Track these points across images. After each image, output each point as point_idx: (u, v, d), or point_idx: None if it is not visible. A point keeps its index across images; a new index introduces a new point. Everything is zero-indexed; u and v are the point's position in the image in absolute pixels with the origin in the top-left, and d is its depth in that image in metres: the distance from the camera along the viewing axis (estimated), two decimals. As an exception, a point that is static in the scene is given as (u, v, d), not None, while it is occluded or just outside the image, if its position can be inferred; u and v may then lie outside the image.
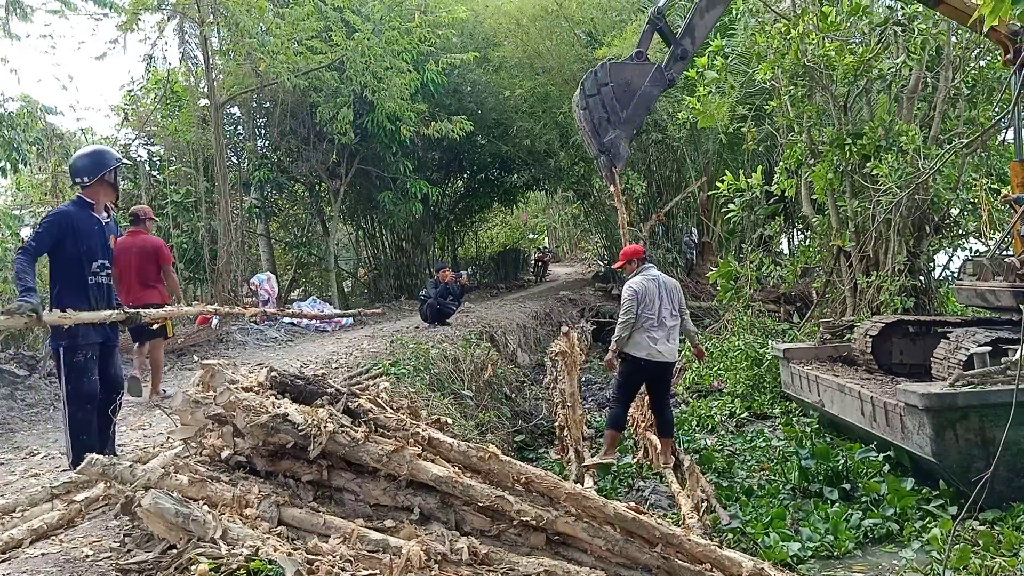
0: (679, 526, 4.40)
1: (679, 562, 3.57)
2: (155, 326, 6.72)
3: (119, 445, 4.99)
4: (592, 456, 6.91)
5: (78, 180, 4.64)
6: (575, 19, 18.23)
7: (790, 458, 7.08)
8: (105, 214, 4.73)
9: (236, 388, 3.56)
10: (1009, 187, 8.39)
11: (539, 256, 28.09)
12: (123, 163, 4.80)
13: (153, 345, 7.28)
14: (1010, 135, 7.74)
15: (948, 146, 9.36)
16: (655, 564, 3.57)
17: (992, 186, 10.07)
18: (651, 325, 6.59)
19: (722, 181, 12.08)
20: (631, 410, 7.95)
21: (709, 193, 15.75)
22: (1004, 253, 7.40)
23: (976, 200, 9.03)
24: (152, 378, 7.26)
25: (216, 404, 3.56)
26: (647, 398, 7.36)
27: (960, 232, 11.04)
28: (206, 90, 14.61)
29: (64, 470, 4.80)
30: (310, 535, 3.23)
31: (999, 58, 8.38)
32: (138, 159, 15.46)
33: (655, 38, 7.41)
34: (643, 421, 7.80)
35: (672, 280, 6.99)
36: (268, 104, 16.72)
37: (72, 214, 4.53)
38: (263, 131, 17.79)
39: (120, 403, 4.73)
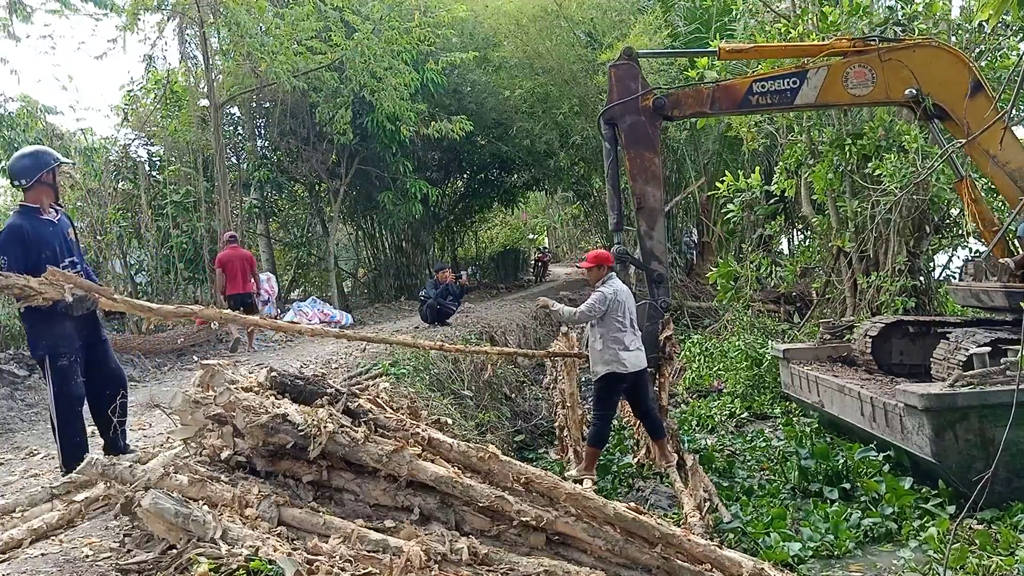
0: (680, 525, 4.40)
1: (679, 562, 3.57)
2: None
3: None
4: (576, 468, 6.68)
5: (16, 183, 4.51)
6: (575, 19, 18.22)
7: (790, 458, 7.08)
8: (54, 212, 4.55)
9: (236, 388, 3.56)
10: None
11: (539, 256, 28.06)
12: (62, 162, 4.58)
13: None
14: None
15: (947, 146, 9.35)
16: (655, 564, 3.57)
17: (991, 186, 10.07)
18: (622, 338, 6.33)
19: (722, 181, 12.08)
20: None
21: (709, 193, 15.75)
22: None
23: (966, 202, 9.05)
24: (248, 338, 10.81)
25: (216, 404, 3.56)
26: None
27: (960, 232, 11.04)
28: (206, 90, 14.59)
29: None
30: (310, 535, 3.23)
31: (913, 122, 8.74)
32: (138, 159, 15.44)
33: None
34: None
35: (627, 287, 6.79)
36: (268, 104, 16.71)
37: (23, 226, 4.35)
38: (263, 131, 17.78)
39: (124, 399, 4.69)
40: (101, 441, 4.65)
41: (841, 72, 7.07)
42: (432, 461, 3.59)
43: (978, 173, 8.21)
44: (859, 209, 10.26)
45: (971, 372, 5.92)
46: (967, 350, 6.33)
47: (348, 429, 3.53)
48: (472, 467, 3.66)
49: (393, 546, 3.14)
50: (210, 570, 2.79)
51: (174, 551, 2.99)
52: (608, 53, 16.36)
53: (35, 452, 5.55)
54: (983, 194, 8.13)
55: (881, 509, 5.81)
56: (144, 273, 14.14)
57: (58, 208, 4.65)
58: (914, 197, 9.44)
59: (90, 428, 4.58)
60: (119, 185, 14.53)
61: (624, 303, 6.40)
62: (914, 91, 7.00)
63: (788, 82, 7.15)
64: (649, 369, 6.85)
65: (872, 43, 7.19)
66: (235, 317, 5.42)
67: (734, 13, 11.92)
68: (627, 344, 6.35)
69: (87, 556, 3.16)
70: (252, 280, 10.79)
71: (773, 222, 14.43)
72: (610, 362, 6.34)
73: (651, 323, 7.10)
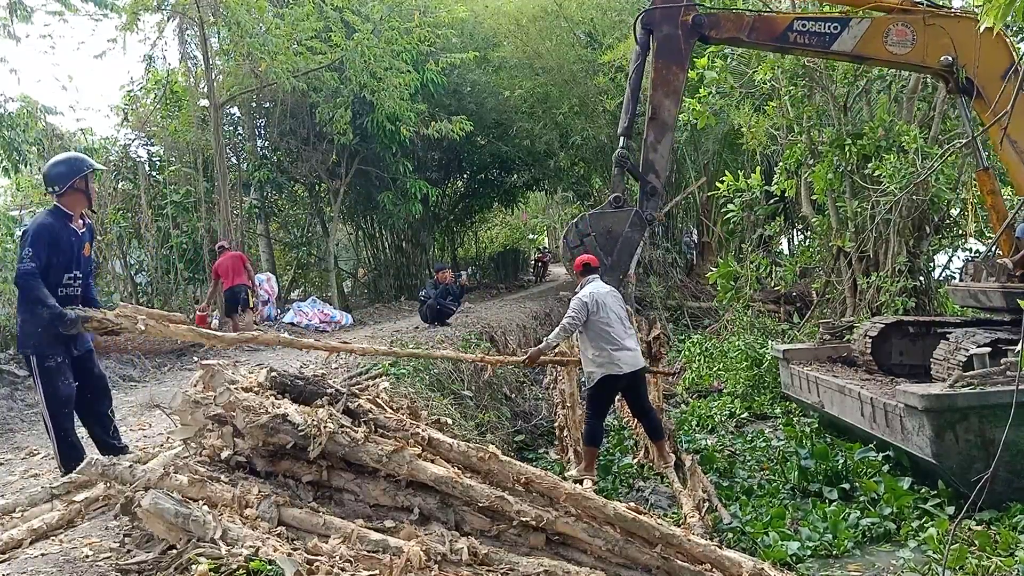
0: (680, 526, 4.40)
1: (679, 562, 3.57)
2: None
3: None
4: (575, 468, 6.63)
5: (51, 189, 4.52)
6: (575, 19, 18.23)
7: (790, 458, 7.09)
8: (81, 222, 4.56)
9: (236, 388, 3.56)
10: (1010, 187, 8.42)
11: (539, 256, 28.06)
12: (96, 168, 4.58)
13: (246, 313, 11.37)
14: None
15: (948, 146, 9.36)
16: (655, 564, 3.57)
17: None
18: (612, 338, 6.24)
19: (722, 181, 12.08)
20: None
21: (709, 193, 15.75)
22: (996, 253, 7.43)
23: (970, 199, 9.04)
24: (256, 312, 11.99)
25: (216, 404, 3.56)
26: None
27: (960, 232, 11.04)
28: (206, 90, 14.58)
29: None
30: (310, 535, 3.23)
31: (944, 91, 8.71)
32: (138, 159, 15.43)
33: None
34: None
35: (612, 288, 6.69)
36: (268, 104, 16.70)
37: (53, 226, 4.38)
38: (263, 131, 17.76)
39: (111, 404, 4.71)
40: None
41: (883, 27, 7.09)
42: (432, 461, 3.59)
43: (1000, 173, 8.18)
44: (859, 209, 10.26)
45: (971, 372, 5.92)
46: (967, 350, 6.33)
47: (348, 429, 3.53)
48: (472, 467, 3.66)
49: (393, 546, 3.14)
50: (210, 570, 2.79)
51: (174, 551, 2.99)
52: (609, 53, 16.36)
53: (35, 452, 5.55)
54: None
55: (880, 509, 5.82)
56: (144, 273, 14.13)
57: (86, 220, 4.66)
58: (914, 197, 9.44)
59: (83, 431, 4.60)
60: (119, 185, 14.53)
61: (604, 303, 6.30)
62: (950, 59, 7.00)
63: (829, 26, 7.19)
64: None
65: (919, 6, 7.25)
66: (292, 342, 5.86)
67: (734, 13, 11.88)
68: (621, 343, 6.27)
69: (87, 556, 3.16)
70: (244, 273, 11.64)
71: (773, 222, 14.43)
72: (604, 364, 6.27)
73: (631, 230, 7.09)
